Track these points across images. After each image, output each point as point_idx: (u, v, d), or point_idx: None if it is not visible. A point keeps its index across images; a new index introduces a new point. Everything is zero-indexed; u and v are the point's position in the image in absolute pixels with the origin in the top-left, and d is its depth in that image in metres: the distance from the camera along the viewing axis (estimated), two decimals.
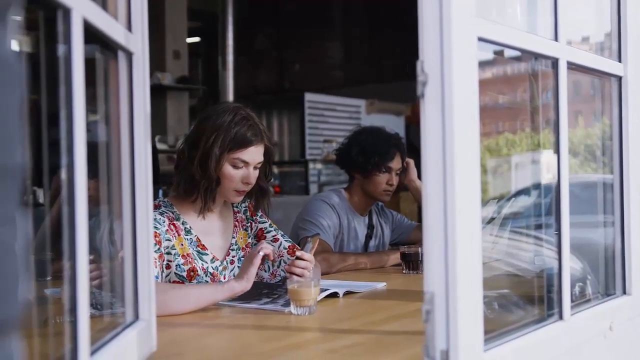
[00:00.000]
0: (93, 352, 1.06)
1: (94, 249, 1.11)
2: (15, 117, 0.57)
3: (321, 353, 1.49)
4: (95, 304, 1.28)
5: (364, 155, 2.90)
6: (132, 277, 1.33)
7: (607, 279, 1.81)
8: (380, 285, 2.29)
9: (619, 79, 1.75)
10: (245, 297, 2.00)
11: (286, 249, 2.29)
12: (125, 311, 1.32)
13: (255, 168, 2.17)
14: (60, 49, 0.97)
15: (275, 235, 2.34)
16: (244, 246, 2.31)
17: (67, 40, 0.96)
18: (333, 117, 8.00)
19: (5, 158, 0.56)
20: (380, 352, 1.48)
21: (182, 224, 2.17)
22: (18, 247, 0.58)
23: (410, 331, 1.63)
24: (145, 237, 1.35)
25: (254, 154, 2.15)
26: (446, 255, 1.13)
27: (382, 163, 2.90)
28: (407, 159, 3.01)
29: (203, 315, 1.83)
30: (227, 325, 1.75)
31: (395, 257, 2.76)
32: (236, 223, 2.32)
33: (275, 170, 7.65)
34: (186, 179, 2.14)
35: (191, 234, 2.17)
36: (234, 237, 2.29)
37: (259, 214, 2.37)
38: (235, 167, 2.13)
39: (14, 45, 0.60)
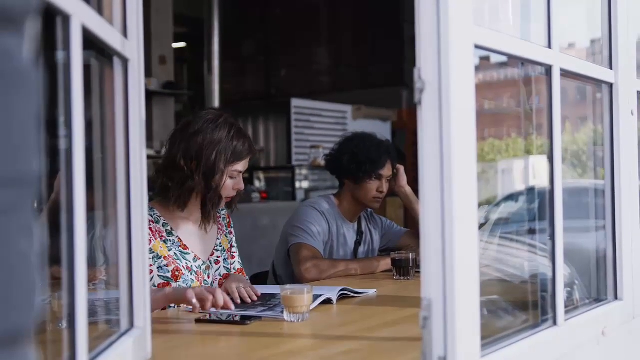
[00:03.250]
0: None
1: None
2: (33, 127, 0.57)
3: None
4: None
5: (355, 162, 2.89)
6: (127, 285, 1.32)
7: (598, 284, 1.82)
8: (372, 292, 2.29)
9: (610, 85, 1.76)
10: (242, 307, 1.99)
11: (235, 270, 2.39)
12: (120, 319, 1.31)
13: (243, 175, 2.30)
14: (59, 55, 0.97)
15: (235, 253, 2.45)
16: (227, 249, 2.40)
17: (67, 47, 0.96)
18: (320, 122, 7.99)
19: (22, 167, 0.56)
20: (376, 359, 1.48)
21: (163, 225, 2.23)
22: (34, 256, 0.58)
23: (405, 337, 1.63)
24: (141, 244, 1.34)
25: (247, 163, 2.28)
26: (444, 262, 1.13)
27: (373, 170, 2.89)
28: (398, 165, 3.01)
29: (197, 323, 1.82)
30: (221, 332, 1.74)
31: (385, 263, 2.76)
32: (219, 226, 2.41)
33: (262, 175, 7.64)
34: (187, 192, 2.20)
35: (173, 235, 2.23)
36: (218, 239, 2.37)
37: (231, 227, 2.49)
38: (231, 177, 2.24)
39: (31, 54, 0.60)
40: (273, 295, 2.14)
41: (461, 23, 1.15)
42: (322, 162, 3.05)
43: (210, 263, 2.31)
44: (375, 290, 2.31)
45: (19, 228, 0.56)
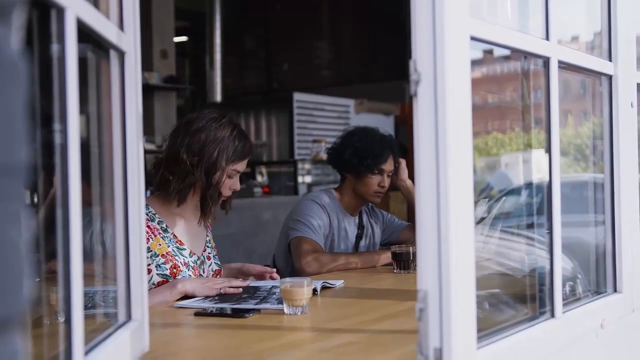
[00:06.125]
0: (87, 352, 1.05)
1: (84, 249, 1.11)
2: (20, 116, 0.58)
3: (315, 352, 1.49)
4: (86, 304, 1.27)
5: (357, 157, 2.89)
6: (125, 278, 1.33)
7: (598, 277, 1.82)
8: (339, 283, 2.31)
9: (610, 77, 1.76)
10: (234, 301, 1.99)
11: (213, 271, 2.38)
12: (117, 311, 1.31)
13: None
14: (53, 48, 0.97)
15: (215, 253, 2.44)
16: (213, 247, 2.44)
17: (61, 40, 0.96)
18: (322, 116, 7.98)
19: (10, 156, 0.56)
20: (374, 351, 1.48)
21: (158, 223, 2.24)
22: (23, 245, 0.58)
23: (403, 330, 1.63)
24: (138, 237, 1.34)
25: (245, 164, 2.31)
26: (439, 254, 1.13)
27: (375, 165, 2.89)
28: (399, 159, 3.01)
29: (195, 316, 1.83)
30: (220, 325, 1.75)
31: (386, 257, 2.76)
32: (208, 224, 2.43)
33: (264, 170, 7.65)
34: (188, 186, 2.22)
35: (168, 232, 2.25)
36: (207, 236, 2.41)
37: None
38: (229, 176, 2.26)
39: (18, 45, 0.60)
40: (257, 288, 2.15)
41: (457, 14, 1.15)
42: (324, 156, 3.05)
43: (204, 258, 2.35)
44: (343, 281, 2.33)
45: (7, 216, 0.57)
